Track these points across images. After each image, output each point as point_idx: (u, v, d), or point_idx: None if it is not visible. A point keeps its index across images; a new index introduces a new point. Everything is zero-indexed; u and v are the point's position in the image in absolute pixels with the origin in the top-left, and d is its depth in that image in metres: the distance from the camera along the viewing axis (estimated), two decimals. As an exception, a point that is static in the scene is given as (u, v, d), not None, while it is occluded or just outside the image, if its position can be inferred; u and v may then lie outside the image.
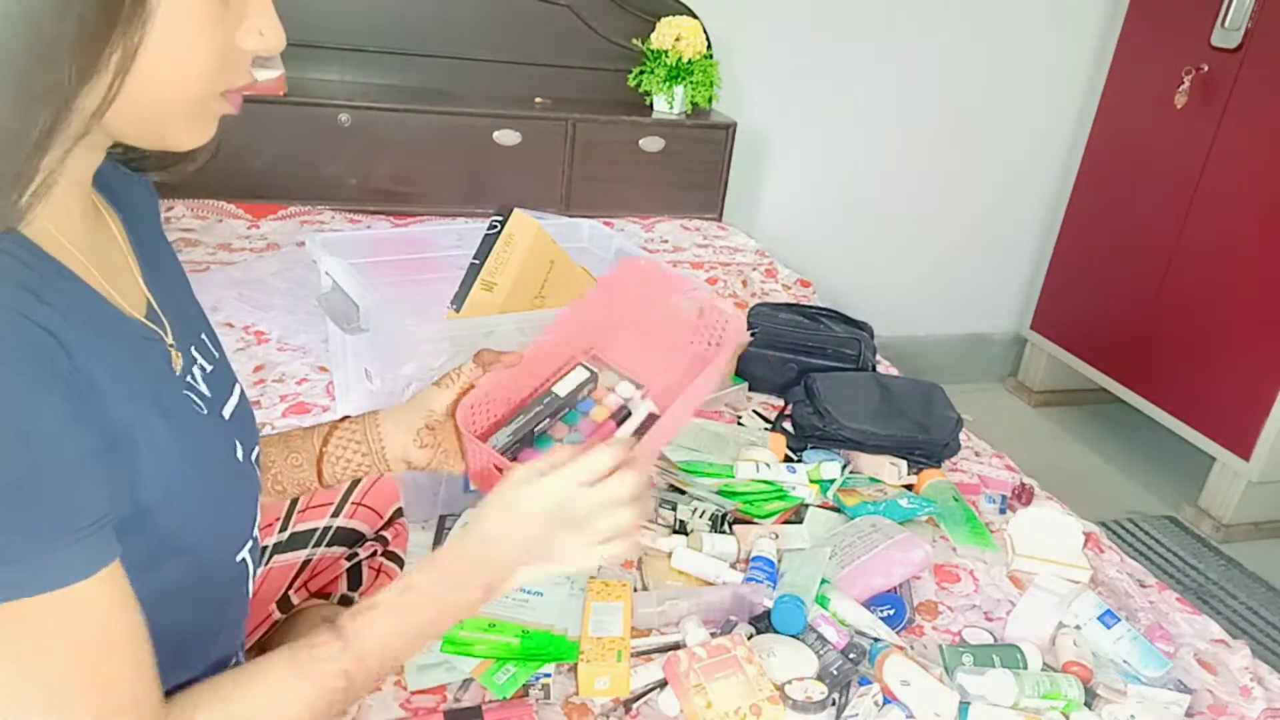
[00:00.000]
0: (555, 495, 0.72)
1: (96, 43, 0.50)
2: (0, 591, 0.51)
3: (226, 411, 0.71)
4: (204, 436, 0.66)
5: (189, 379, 0.67)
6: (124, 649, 0.57)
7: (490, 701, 1.00)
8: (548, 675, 1.04)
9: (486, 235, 1.37)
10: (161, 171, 0.72)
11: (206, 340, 0.74)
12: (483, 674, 1.03)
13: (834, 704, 1.05)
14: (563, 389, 0.96)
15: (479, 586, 0.72)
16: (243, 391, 0.77)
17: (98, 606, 0.55)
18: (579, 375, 0.98)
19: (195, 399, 0.67)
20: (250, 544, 0.72)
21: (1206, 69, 2.71)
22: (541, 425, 0.94)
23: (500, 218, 1.38)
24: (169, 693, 0.61)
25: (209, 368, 0.71)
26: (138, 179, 0.72)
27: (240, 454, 0.71)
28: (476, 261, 1.36)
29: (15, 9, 0.48)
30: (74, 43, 0.50)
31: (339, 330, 1.37)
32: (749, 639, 1.11)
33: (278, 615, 1.02)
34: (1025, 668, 1.13)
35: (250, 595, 0.76)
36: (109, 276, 0.62)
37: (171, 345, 0.66)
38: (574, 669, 1.06)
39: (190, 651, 0.69)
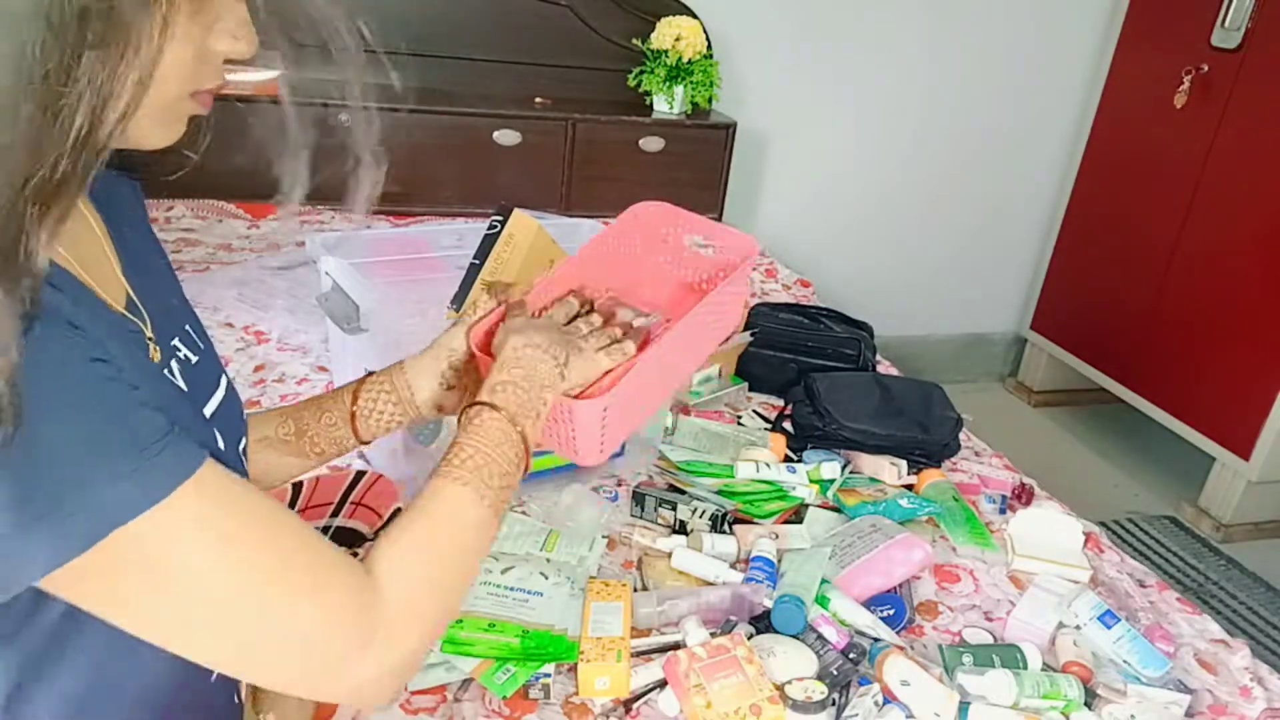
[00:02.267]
0: (545, 326, 0.82)
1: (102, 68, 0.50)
2: (167, 480, 0.54)
3: (209, 408, 0.71)
4: (185, 427, 0.66)
5: (165, 372, 0.67)
6: (286, 512, 0.61)
7: None
8: (548, 675, 1.04)
9: (486, 235, 1.37)
10: (141, 170, 0.72)
11: (192, 332, 0.74)
12: (483, 674, 1.03)
13: (834, 704, 1.05)
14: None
15: (538, 399, 0.78)
16: (230, 386, 0.77)
17: (232, 480, 0.58)
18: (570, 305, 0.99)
19: (170, 390, 0.67)
20: None
21: (1206, 69, 2.71)
22: None
23: (500, 218, 1.38)
24: (142, 693, 0.62)
25: (194, 359, 0.71)
26: (115, 174, 0.71)
27: (222, 444, 0.71)
28: (476, 261, 1.36)
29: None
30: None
31: (339, 330, 1.37)
32: (749, 639, 1.11)
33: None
34: (1025, 668, 1.13)
35: None
36: (88, 268, 0.62)
37: (150, 339, 0.66)
38: (574, 669, 1.06)
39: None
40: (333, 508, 1.07)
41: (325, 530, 1.06)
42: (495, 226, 1.38)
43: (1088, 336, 3.17)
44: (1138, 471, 3.02)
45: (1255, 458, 2.59)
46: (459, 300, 1.35)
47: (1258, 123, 2.59)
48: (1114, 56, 3.03)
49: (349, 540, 1.08)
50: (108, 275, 0.65)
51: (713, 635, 1.11)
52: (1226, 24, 2.64)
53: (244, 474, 0.75)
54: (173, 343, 0.70)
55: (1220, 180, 2.70)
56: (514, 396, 0.76)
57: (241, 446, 0.76)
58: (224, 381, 0.75)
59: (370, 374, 0.91)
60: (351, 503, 1.09)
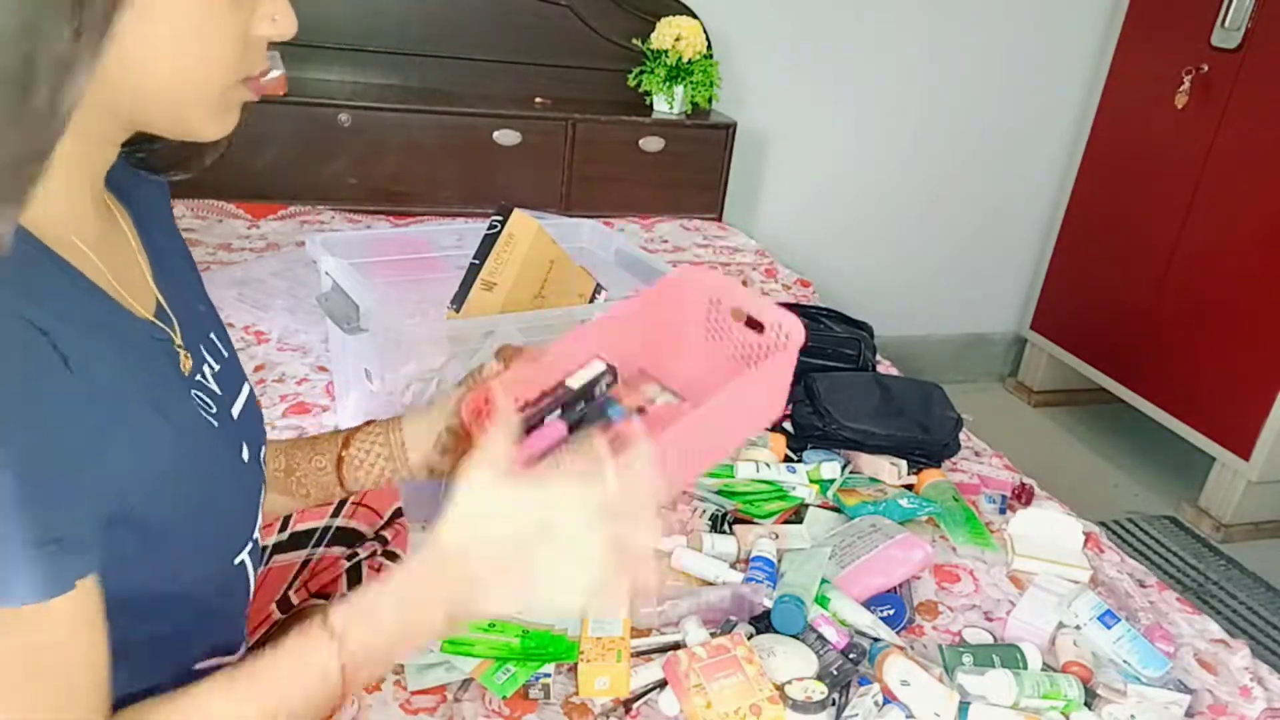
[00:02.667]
0: (529, 502, 0.60)
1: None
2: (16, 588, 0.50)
3: (235, 410, 0.71)
4: (207, 439, 0.66)
5: (199, 378, 0.67)
6: (81, 667, 0.55)
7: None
8: (547, 675, 1.04)
9: (486, 235, 1.37)
10: (173, 171, 0.71)
11: (216, 339, 0.73)
12: (483, 674, 1.03)
13: (834, 704, 1.05)
14: (576, 381, 0.85)
15: (439, 612, 0.62)
16: (251, 390, 0.76)
17: (60, 624, 0.53)
18: (595, 368, 0.87)
19: (205, 399, 0.67)
20: (250, 546, 0.72)
21: (1206, 69, 2.71)
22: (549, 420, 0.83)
23: (500, 218, 1.38)
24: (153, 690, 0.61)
25: (218, 367, 0.71)
26: (145, 176, 0.71)
27: (246, 454, 0.71)
28: (476, 261, 1.36)
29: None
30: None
31: (339, 330, 1.37)
32: (749, 639, 1.11)
33: (277, 615, 1.02)
34: (1025, 668, 1.13)
35: (251, 596, 0.76)
36: (119, 276, 0.62)
37: (180, 346, 0.66)
38: (574, 669, 1.06)
39: (181, 650, 0.69)
40: (333, 507, 1.07)
41: (325, 530, 1.06)
42: (495, 226, 1.38)
43: (1088, 336, 3.17)
44: (1138, 471, 3.02)
45: (1255, 458, 2.59)
46: (459, 300, 1.35)
47: (1258, 123, 2.59)
48: (1114, 56, 3.03)
49: (349, 540, 1.08)
50: (139, 282, 0.65)
51: (713, 635, 1.11)
52: (1226, 24, 2.64)
53: (260, 483, 0.74)
54: (201, 348, 0.70)
55: (1220, 180, 2.70)
56: (374, 635, 0.61)
57: (261, 455, 0.76)
58: (246, 388, 0.75)
59: (370, 422, 0.89)
60: (352, 503, 1.09)
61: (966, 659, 1.13)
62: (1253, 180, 2.61)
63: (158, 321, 0.64)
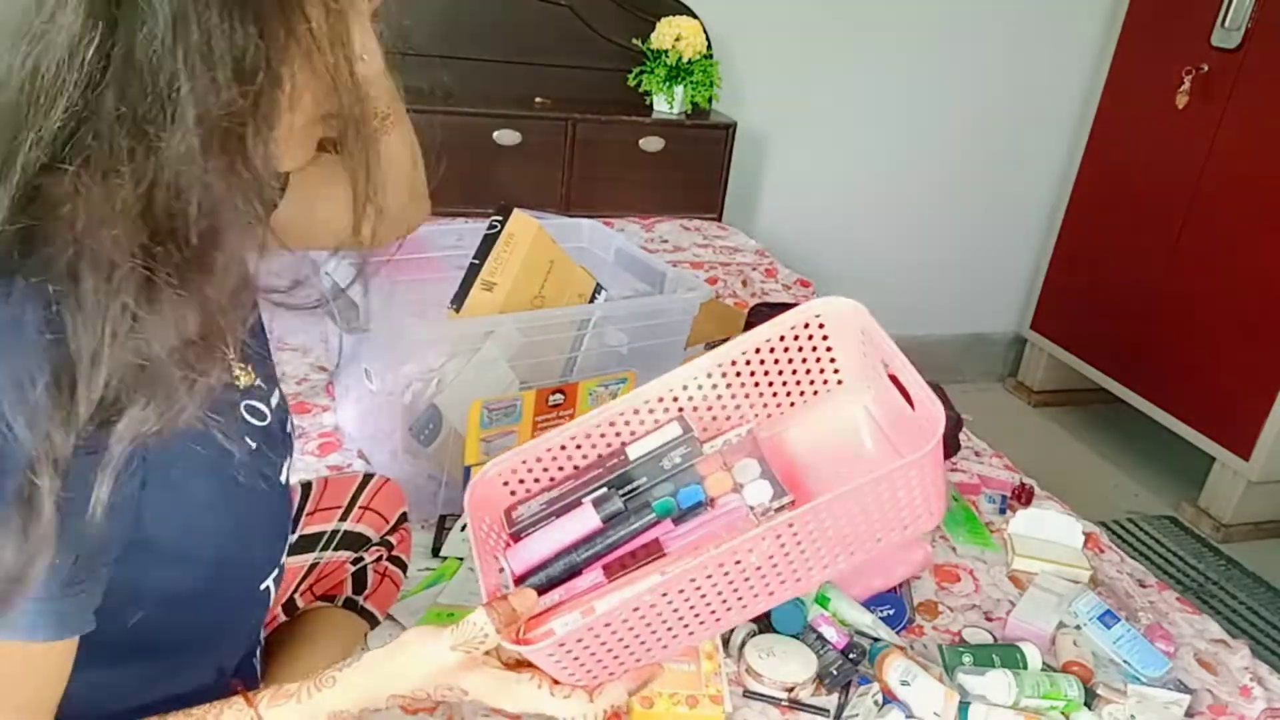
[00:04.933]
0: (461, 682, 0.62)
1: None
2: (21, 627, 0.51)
3: (275, 424, 0.70)
4: (246, 467, 0.63)
5: (252, 391, 0.66)
6: (46, 697, 0.56)
7: None
8: None
9: (486, 235, 1.37)
10: None
11: (254, 344, 0.72)
12: None
13: (835, 704, 1.05)
14: (640, 449, 0.69)
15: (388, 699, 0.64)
16: (283, 398, 0.74)
17: (53, 660, 0.54)
18: (668, 433, 0.69)
19: (254, 407, 0.66)
20: (276, 572, 0.70)
21: (1206, 69, 2.71)
22: (597, 495, 0.67)
23: (500, 218, 1.38)
24: (164, 701, 0.61)
25: (261, 378, 0.70)
26: None
27: (284, 475, 0.69)
28: (476, 261, 1.36)
29: None
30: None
31: (339, 330, 1.37)
32: (750, 638, 1.10)
33: (282, 618, 1.02)
34: (1025, 668, 1.13)
35: (267, 617, 0.74)
36: None
37: (238, 364, 0.66)
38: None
39: (193, 662, 0.69)
40: (341, 511, 1.07)
41: (333, 535, 1.06)
42: (495, 226, 1.38)
43: (1088, 336, 3.17)
44: (1138, 471, 3.02)
45: (1255, 458, 2.59)
46: (459, 300, 1.35)
47: (1258, 123, 2.59)
48: (1114, 56, 3.03)
49: (356, 544, 1.08)
50: None
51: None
52: (1226, 24, 2.64)
53: (290, 506, 0.72)
54: (251, 367, 0.69)
55: (1220, 180, 2.70)
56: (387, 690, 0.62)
57: (287, 464, 0.74)
58: (277, 396, 0.74)
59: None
60: (360, 507, 1.08)
61: (966, 659, 1.13)
62: (1253, 180, 2.60)
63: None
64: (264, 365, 0.70)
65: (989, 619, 1.26)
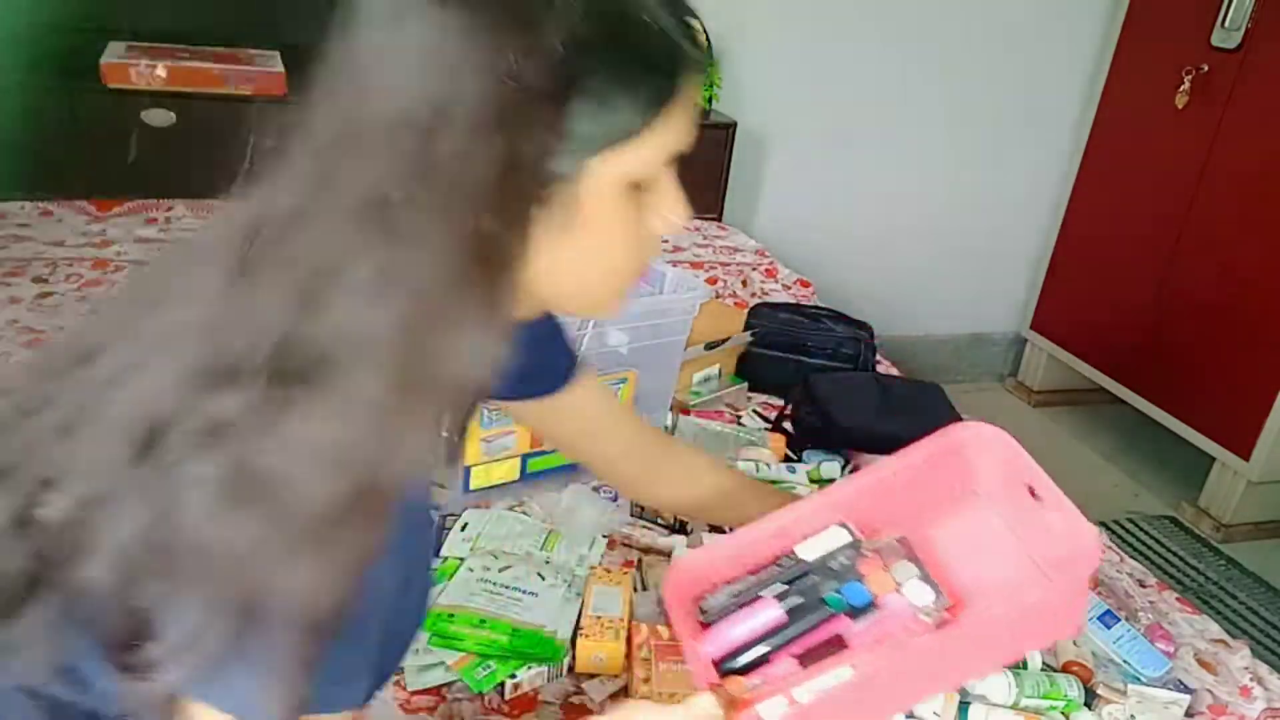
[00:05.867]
0: None
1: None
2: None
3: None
4: (424, 525, 0.67)
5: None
6: None
7: None
8: (514, 677, 1.03)
9: (487, 235, 1.37)
10: None
11: None
12: (463, 668, 1.03)
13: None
14: (810, 551, 0.76)
15: None
16: None
17: None
18: (836, 537, 0.77)
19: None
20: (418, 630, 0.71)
21: (1206, 69, 2.71)
22: (778, 590, 0.74)
23: (500, 218, 1.38)
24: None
25: None
26: None
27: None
28: (477, 262, 1.36)
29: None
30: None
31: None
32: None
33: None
34: (1025, 667, 1.13)
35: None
36: None
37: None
38: (571, 670, 1.06)
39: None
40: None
41: None
42: (495, 227, 1.38)
43: (1088, 336, 3.17)
44: (1138, 471, 3.02)
45: (1255, 458, 2.59)
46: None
47: (1258, 123, 2.59)
48: (1114, 56, 3.03)
49: None
50: None
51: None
52: (1226, 24, 2.64)
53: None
54: None
55: (1220, 180, 2.70)
56: None
57: None
58: None
59: None
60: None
61: None
62: (1253, 180, 2.60)
63: None
64: None
65: (989, 619, 1.26)
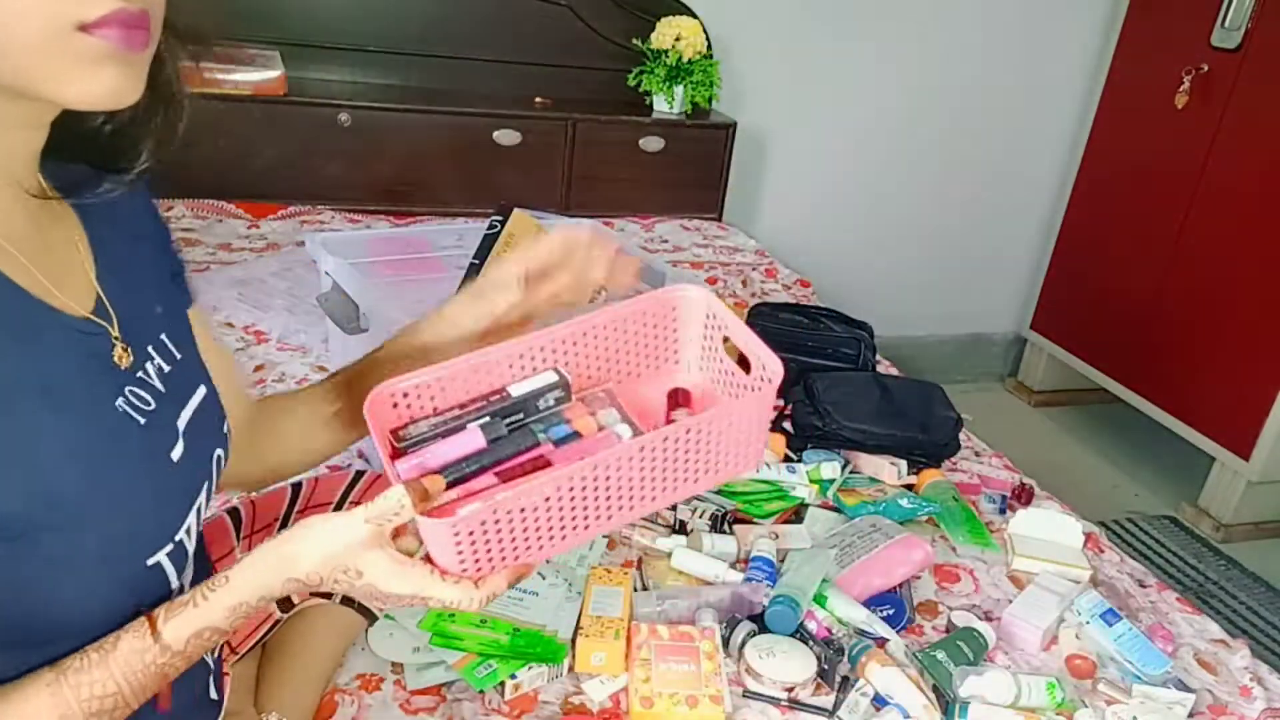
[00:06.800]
0: (375, 575, 0.66)
1: None
2: None
3: (185, 413, 0.71)
4: (125, 434, 0.65)
5: (140, 374, 0.68)
6: None
7: None
8: (515, 677, 1.04)
9: (486, 235, 1.37)
10: (117, 169, 0.68)
11: (168, 341, 0.73)
12: (464, 668, 1.03)
13: (833, 704, 1.05)
14: (519, 389, 0.79)
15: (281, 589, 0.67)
16: (210, 394, 0.76)
17: None
18: (545, 378, 0.79)
19: (143, 394, 0.67)
20: (170, 548, 0.69)
21: (1206, 69, 2.71)
22: (482, 421, 0.77)
23: (500, 218, 1.38)
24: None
25: (168, 367, 0.71)
26: (115, 179, 0.69)
27: (178, 454, 0.70)
28: (476, 261, 1.36)
29: None
30: None
31: (339, 330, 1.37)
32: (750, 637, 1.10)
33: (279, 615, 1.02)
34: (987, 646, 1.14)
35: (171, 598, 0.71)
36: (49, 271, 0.62)
37: (118, 339, 0.66)
38: (571, 670, 1.06)
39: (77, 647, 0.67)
40: (332, 506, 1.07)
41: None
42: (495, 226, 1.38)
43: (1088, 336, 3.17)
44: (1138, 471, 3.02)
45: (1255, 458, 2.59)
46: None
47: (1258, 123, 2.59)
48: (1114, 56, 3.03)
49: None
50: (76, 278, 0.66)
51: (724, 639, 1.11)
52: (1226, 24, 2.64)
53: (194, 484, 0.73)
54: (148, 348, 0.70)
55: (1220, 180, 2.70)
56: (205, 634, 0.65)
57: (215, 456, 0.75)
58: (201, 391, 0.75)
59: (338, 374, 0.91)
60: (351, 502, 1.08)
61: (940, 655, 1.13)
62: (1253, 180, 2.61)
63: (93, 317, 0.65)
64: (156, 347, 0.72)
65: (989, 619, 1.26)
